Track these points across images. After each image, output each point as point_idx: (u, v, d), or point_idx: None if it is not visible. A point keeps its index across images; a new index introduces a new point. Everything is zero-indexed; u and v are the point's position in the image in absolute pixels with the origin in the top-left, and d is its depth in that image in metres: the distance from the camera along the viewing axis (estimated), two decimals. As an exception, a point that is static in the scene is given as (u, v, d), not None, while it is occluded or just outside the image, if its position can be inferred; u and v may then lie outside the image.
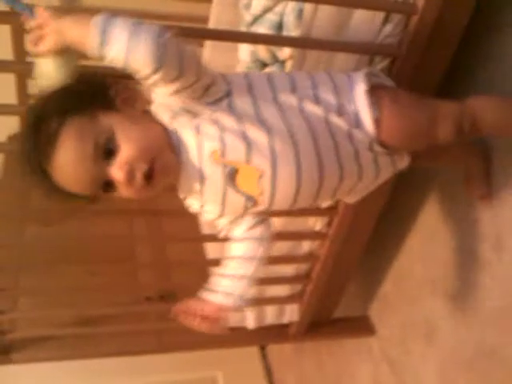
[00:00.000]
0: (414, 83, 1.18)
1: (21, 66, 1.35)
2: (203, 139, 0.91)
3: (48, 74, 0.92)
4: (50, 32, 0.86)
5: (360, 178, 1.02)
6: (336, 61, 1.21)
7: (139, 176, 0.89)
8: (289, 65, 1.37)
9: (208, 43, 1.77)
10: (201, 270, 1.85)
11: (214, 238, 1.52)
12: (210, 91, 0.91)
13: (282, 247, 1.53)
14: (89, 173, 0.88)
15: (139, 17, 1.85)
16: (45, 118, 0.87)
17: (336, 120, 0.97)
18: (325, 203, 1.39)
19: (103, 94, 0.91)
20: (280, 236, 1.44)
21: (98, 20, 0.82)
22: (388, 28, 1.16)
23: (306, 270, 1.61)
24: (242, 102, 0.93)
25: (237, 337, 1.79)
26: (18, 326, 1.61)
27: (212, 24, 1.88)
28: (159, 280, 1.85)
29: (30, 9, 0.88)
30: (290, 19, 1.36)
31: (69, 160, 0.87)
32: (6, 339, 1.57)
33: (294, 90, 0.98)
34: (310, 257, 1.57)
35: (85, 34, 0.83)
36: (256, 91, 0.96)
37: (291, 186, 0.95)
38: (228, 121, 0.91)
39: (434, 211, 1.54)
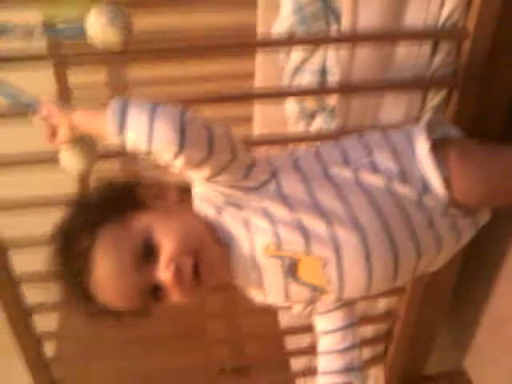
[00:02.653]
0: (479, 114, 1.07)
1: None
2: (254, 234, 0.82)
3: (71, 163, 0.88)
4: (62, 125, 0.82)
5: (439, 248, 0.89)
6: (385, 103, 1.11)
7: (187, 272, 0.79)
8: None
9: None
10: (274, 341, 1.78)
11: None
12: (252, 173, 0.83)
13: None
14: (133, 283, 0.80)
15: (184, 79, 1.86)
16: (73, 235, 0.81)
17: (401, 188, 0.85)
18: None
19: (129, 197, 0.85)
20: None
21: (113, 107, 0.76)
22: (438, 59, 1.04)
23: (386, 329, 1.48)
24: (291, 185, 0.84)
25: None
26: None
27: (258, 77, 1.84)
28: (233, 353, 1.79)
29: (33, 103, 0.84)
30: (331, 63, 1.28)
31: (110, 276, 0.80)
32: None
33: (346, 161, 0.88)
34: (388, 315, 1.45)
35: (100, 124, 0.77)
36: (304, 169, 0.87)
37: (362, 272, 0.84)
38: (279, 211, 0.82)
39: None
